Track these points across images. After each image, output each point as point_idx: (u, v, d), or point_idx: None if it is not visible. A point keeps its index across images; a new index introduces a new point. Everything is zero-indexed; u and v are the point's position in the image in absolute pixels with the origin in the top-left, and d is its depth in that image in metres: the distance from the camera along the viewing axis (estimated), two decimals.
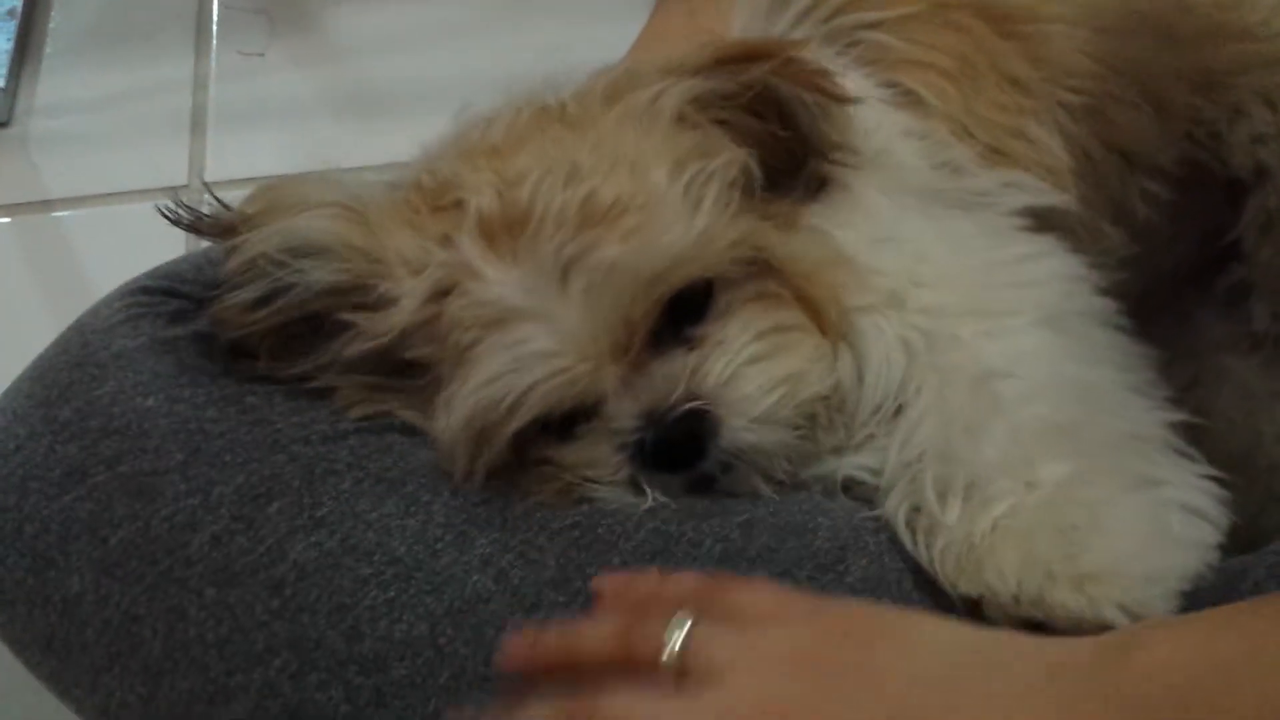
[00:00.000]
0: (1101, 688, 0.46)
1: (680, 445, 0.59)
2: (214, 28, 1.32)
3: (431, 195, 0.62)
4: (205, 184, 0.69)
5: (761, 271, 0.62)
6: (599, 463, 0.60)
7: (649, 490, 0.59)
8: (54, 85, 1.26)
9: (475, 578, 0.56)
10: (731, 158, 0.61)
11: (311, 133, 1.21)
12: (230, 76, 1.27)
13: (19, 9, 1.29)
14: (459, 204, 0.60)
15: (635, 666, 0.49)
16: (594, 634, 0.51)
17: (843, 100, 0.64)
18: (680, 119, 0.62)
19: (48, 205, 1.15)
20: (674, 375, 0.59)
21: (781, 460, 0.61)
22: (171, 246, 1.07)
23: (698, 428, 0.59)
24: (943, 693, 0.47)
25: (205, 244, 0.69)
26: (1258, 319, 0.76)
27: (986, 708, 0.47)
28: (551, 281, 0.57)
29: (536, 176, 0.59)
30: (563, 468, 0.60)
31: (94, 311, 0.66)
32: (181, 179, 1.16)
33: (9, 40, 1.28)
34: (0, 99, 1.21)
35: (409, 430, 0.61)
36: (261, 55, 1.29)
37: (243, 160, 1.18)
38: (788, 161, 0.64)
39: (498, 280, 0.58)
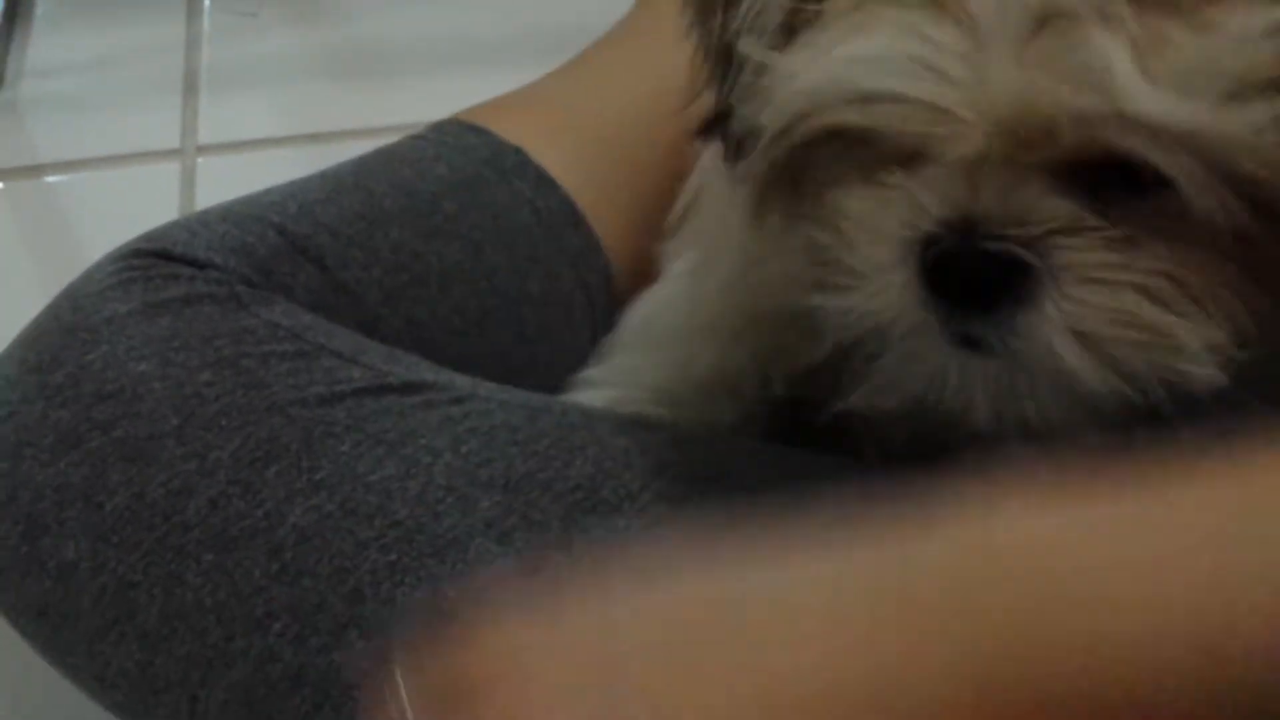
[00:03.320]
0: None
1: (978, 286, 0.45)
2: None
3: None
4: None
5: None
6: (875, 234, 0.47)
7: (915, 303, 0.46)
8: (45, 48, 1.25)
9: (478, 540, 0.56)
10: None
11: (307, 94, 1.20)
12: (224, 37, 1.25)
13: None
14: None
15: None
16: None
17: None
18: None
19: (39, 170, 1.14)
20: (1035, 215, 0.45)
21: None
22: (165, 210, 1.06)
23: (1014, 284, 0.45)
24: None
25: (200, 207, 0.67)
26: None
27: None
28: (1025, 24, 0.43)
29: None
30: (836, 221, 0.48)
31: (86, 276, 0.65)
32: (174, 142, 1.14)
33: None
34: None
35: (406, 390, 0.60)
36: (255, 15, 1.28)
37: (237, 122, 1.16)
38: None
39: None
